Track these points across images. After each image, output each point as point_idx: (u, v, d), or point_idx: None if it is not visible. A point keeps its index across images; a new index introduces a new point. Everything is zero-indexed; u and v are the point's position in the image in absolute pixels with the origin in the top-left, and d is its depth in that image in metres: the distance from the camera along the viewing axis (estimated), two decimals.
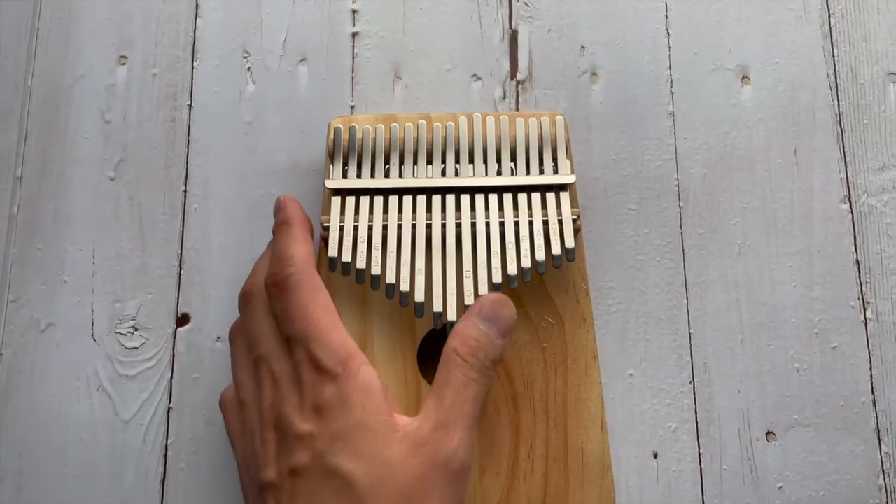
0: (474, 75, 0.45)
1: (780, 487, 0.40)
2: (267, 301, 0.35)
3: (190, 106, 0.45)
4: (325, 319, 0.33)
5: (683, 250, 0.43)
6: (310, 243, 0.36)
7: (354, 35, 0.45)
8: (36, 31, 0.45)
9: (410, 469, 0.30)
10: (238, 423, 0.35)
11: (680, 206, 0.43)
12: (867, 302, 0.42)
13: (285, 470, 0.31)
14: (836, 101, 0.44)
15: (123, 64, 0.45)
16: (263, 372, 0.34)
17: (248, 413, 0.34)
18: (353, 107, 0.45)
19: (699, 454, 0.40)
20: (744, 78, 0.45)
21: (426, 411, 0.32)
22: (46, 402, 0.41)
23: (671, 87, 0.45)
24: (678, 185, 0.43)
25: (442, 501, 0.31)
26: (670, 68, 0.45)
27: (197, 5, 0.46)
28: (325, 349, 0.32)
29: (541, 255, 0.37)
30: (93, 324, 0.42)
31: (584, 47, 0.45)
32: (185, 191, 0.44)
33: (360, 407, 0.31)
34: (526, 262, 0.37)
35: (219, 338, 0.42)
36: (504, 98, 0.45)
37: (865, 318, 0.42)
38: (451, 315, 0.36)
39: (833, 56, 0.45)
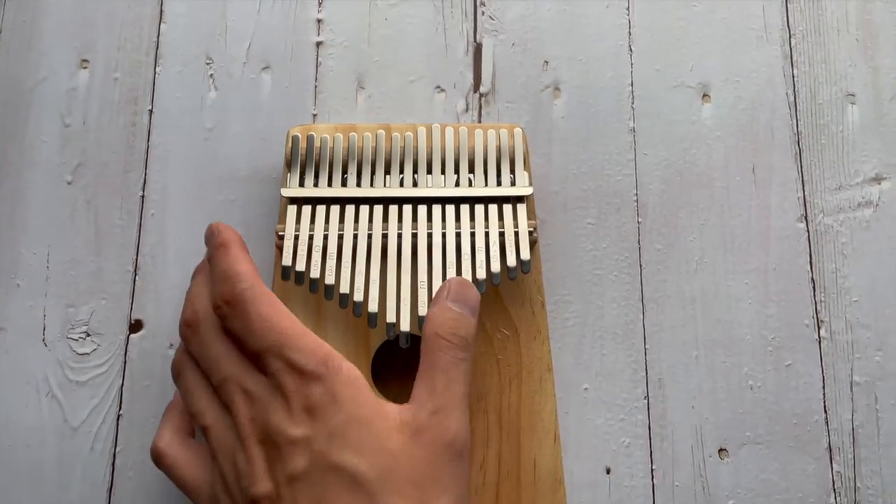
0: (438, 87, 0.45)
1: None
2: (217, 323, 0.34)
3: (151, 111, 0.44)
4: (293, 326, 0.33)
5: (641, 265, 0.43)
6: (252, 262, 0.35)
7: (319, 44, 0.45)
8: None
9: (416, 457, 0.30)
10: (200, 470, 0.33)
11: (638, 222, 0.43)
12: (821, 320, 0.42)
13: (282, 479, 0.30)
14: (794, 121, 0.45)
15: (85, 68, 0.45)
16: (233, 392, 0.32)
17: (215, 436, 0.33)
18: (315, 115, 0.45)
19: (651, 470, 0.40)
20: (704, 95, 0.45)
21: (419, 398, 0.32)
22: None
23: (632, 102, 0.45)
24: (637, 201, 0.44)
25: (454, 484, 0.31)
26: (632, 84, 0.45)
27: (161, 10, 0.46)
28: (302, 352, 0.32)
29: (496, 266, 0.37)
30: (44, 328, 0.41)
31: (547, 62, 0.45)
32: (143, 196, 0.43)
33: (351, 401, 0.31)
34: (481, 274, 0.37)
35: (171, 345, 0.41)
36: (467, 110, 0.45)
37: (819, 337, 0.42)
38: (405, 326, 0.36)
39: (793, 76, 0.45)
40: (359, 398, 0.31)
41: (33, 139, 0.44)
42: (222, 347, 0.33)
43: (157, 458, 0.34)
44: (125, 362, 0.41)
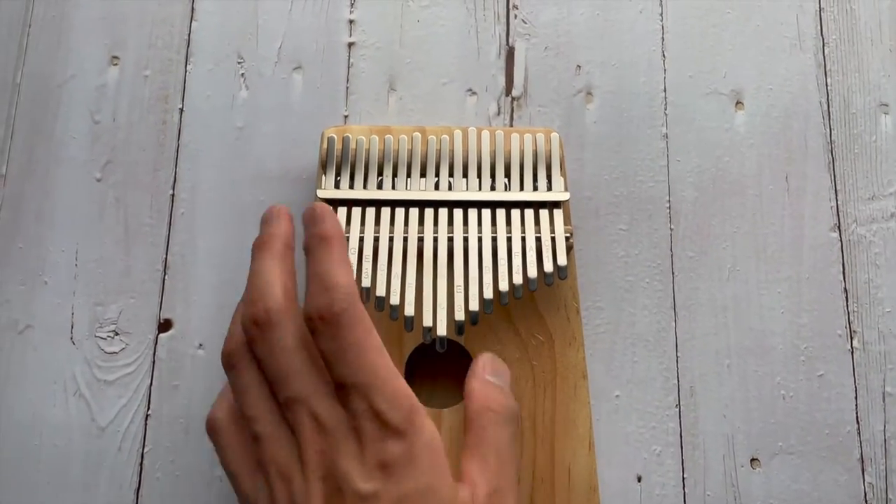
0: (469, 90, 0.45)
1: None
2: (299, 331, 0.31)
3: (181, 109, 0.44)
4: (385, 366, 0.30)
5: (673, 272, 0.43)
6: (350, 266, 0.32)
7: (351, 45, 0.45)
8: (28, 29, 0.45)
9: None
10: (247, 458, 0.31)
11: (671, 229, 0.43)
12: (854, 331, 0.42)
13: None
14: (828, 130, 0.45)
15: (115, 65, 0.45)
16: (302, 414, 0.30)
17: (269, 451, 0.30)
18: (346, 116, 0.44)
19: (683, 479, 0.40)
20: (738, 103, 0.45)
21: (472, 476, 0.31)
22: (21, 405, 0.40)
23: (665, 109, 0.45)
24: (670, 208, 0.43)
25: None
26: (665, 90, 0.45)
27: (193, 9, 0.45)
28: (390, 402, 0.29)
29: (532, 272, 0.37)
30: (72, 326, 0.41)
31: (580, 66, 0.45)
32: (173, 195, 0.43)
33: (428, 468, 0.29)
34: (517, 279, 0.37)
35: (201, 345, 0.41)
36: (499, 114, 0.44)
37: (852, 347, 0.42)
38: (441, 330, 0.36)
39: (826, 85, 0.45)
40: (436, 466, 0.29)
41: (62, 136, 0.44)
42: (300, 362, 0.31)
43: (211, 430, 0.33)
44: (154, 362, 0.41)
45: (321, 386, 0.30)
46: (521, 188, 0.39)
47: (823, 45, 0.46)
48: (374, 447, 0.29)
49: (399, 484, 0.29)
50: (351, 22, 0.45)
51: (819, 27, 0.46)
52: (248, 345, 0.32)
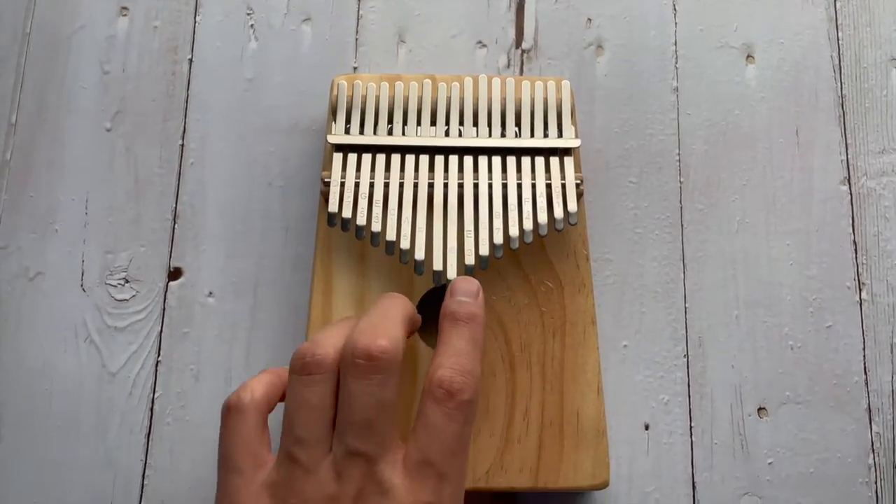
0: (479, 42, 0.45)
1: (769, 463, 0.40)
2: (395, 390, 0.29)
3: (191, 60, 0.44)
4: (465, 472, 0.31)
5: (682, 225, 0.43)
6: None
7: None
8: None
9: None
10: (257, 456, 0.30)
11: (680, 182, 0.43)
12: (863, 283, 0.42)
13: None
14: (839, 84, 0.44)
15: (125, 15, 0.45)
16: (359, 470, 0.29)
17: (303, 483, 0.29)
18: (355, 68, 0.44)
19: (690, 427, 0.40)
20: (748, 56, 0.45)
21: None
22: (32, 351, 0.40)
23: (676, 62, 0.44)
24: (679, 161, 0.43)
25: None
26: (676, 44, 0.45)
27: None
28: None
29: (543, 217, 0.37)
30: (83, 274, 0.41)
31: (590, 19, 0.45)
32: (182, 145, 0.43)
33: None
34: (528, 224, 0.37)
35: (211, 293, 0.41)
36: (508, 66, 0.44)
37: (860, 299, 0.42)
38: (451, 273, 0.36)
39: (838, 39, 0.45)
40: None
41: (72, 86, 0.44)
42: (387, 420, 0.29)
43: (233, 410, 0.31)
44: (164, 309, 0.41)
45: (392, 451, 0.29)
46: (532, 135, 0.39)
47: (835, 0, 0.45)
48: None
49: None
50: None
51: None
52: (341, 367, 0.30)
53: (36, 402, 0.40)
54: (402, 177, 0.37)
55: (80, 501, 0.39)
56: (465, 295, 0.32)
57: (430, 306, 0.37)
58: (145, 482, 0.39)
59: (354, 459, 0.28)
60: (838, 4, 0.45)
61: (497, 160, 0.38)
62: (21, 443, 0.39)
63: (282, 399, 0.32)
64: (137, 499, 0.39)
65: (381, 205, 0.37)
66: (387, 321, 0.31)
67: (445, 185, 0.37)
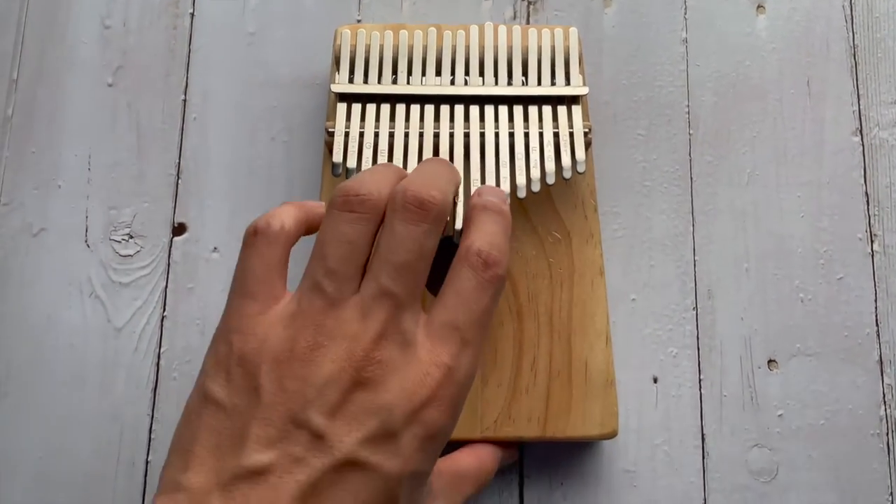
0: None
1: (780, 415, 0.39)
2: (437, 244, 0.29)
3: (192, 14, 0.44)
4: (482, 349, 0.30)
5: (691, 178, 0.42)
6: None
7: None
8: None
9: None
10: (275, 282, 0.29)
11: (690, 134, 0.42)
12: (875, 234, 0.41)
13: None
14: (850, 34, 0.44)
15: None
16: (383, 311, 0.27)
17: (331, 313, 0.27)
18: (359, 20, 0.44)
19: (699, 380, 0.40)
20: (759, 7, 0.44)
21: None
22: (37, 307, 0.40)
23: (685, 13, 0.44)
24: (689, 113, 0.43)
25: None
26: None
27: None
28: (476, 356, 0.29)
29: (550, 165, 0.36)
30: (87, 230, 0.41)
31: None
32: (185, 100, 0.43)
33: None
34: (535, 173, 0.36)
35: (215, 248, 0.41)
36: (515, 18, 0.44)
37: (872, 251, 0.41)
38: (459, 223, 0.35)
39: None
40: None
41: (73, 41, 0.43)
42: (422, 270, 0.28)
43: (259, 234, 0.29)
44: (169, 265, 0.41)
45: (419, 308, 0.28)
46: (539, 83, 0.38)
47: None
48: (431, 406, 0.27)
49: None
50: None
51: None
52: (388, 210, 0.29)
53: (41, 358, 0.40)
54: (407, 126, 0.37)
55: (88, 455, 0.39)
56: (493, 196, 0.31)
57: (438, 259, 0.37)
58: (152, 435, 0.39)
59: (383, 301, 0.27)
60: None
61: (504, 109, 0.37)
62: (27, 398, 0.39)
63: (306, 233, 0.31)
64: (145, 451, 0.39)
65: (386, 154, 0.36)
66: (438, 178, 0.30)
67: (451, 135, 0.37)
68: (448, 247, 0.33)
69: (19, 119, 0.42)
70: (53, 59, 0.43)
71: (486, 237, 0.29)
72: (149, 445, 0.39)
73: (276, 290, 0.29)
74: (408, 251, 0.28)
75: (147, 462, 0.39)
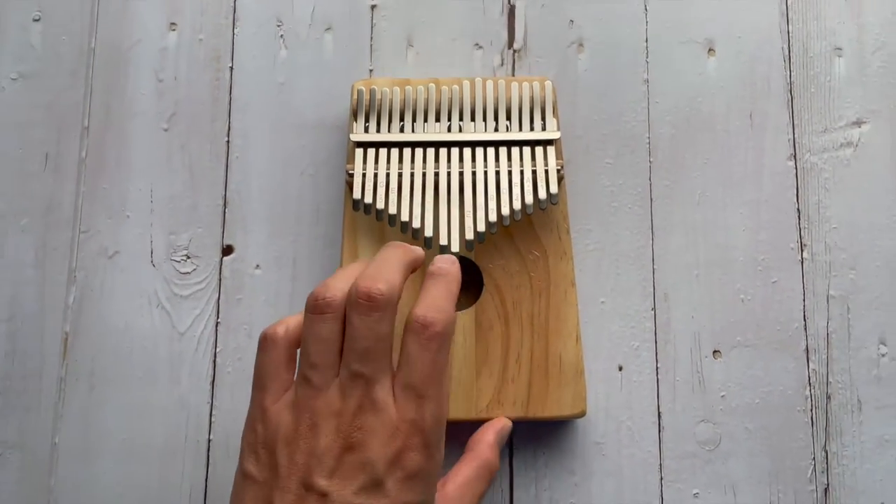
0: (476, 44, 0.52)
1: (722, 396, 0.48)
2: (392, 325, 0.35)
3: (231, 68, 0.52)
4: (447, 392, 0.36)
5: (651, 199, 0.50)
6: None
7: (373, 7, 0.52)
8: (97, 0, 0.52)
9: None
10: (282, 379, 0.36)
11: (650, 161, 0.51)
12: (804, 244, 0.49)
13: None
14: (788, 72, 0.51)
15: (174, 30, 0.52)
16: (359, 389, 0.35)
17: (315, 398, 0.35)
18: (371, 70, 0.52)
19: (657, 368, 0.48)
20: (710, 50, 0.52)
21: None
22: (114, 316, 0.49)
23: (647, 57, 0.52)
24: (649, 143, 0.51)
25: None
26: (647, 41, 0.52)
27: None
28: (440, 422, 0.35)
29: (529, 198, 0.45)
30: (152, 252, 0.50)
31: (572, 21, 0.52)
32: (228, 141, 0.51)
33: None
34: (517, 205, 0.45)
35: (258, 266, 0.50)
36: (502, 65, 0.52)
37: (802, 258, 0.49)
38: (455, 247, 0.44)
39: (788, 32, 0.52)
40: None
41: (133, 93, 0.52)
42: (382, 350, 0.35)
43: (267, 341, 0.37)
44: (220, 280, 0.50)
45: (387, 377, 0.35)
46: (520, 129, 0.46)
47: None
48: (406, 454, 0.34)
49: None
50: None
51: None
52: (347, 306, 0.36)
53: (120, 358, 0.49)
54: (413, 167, 0.45)
55: (160, 437, 0.48)
56: (442, 262, 0.38)
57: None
58: (212, 420, 0.48)
59: (356, 381, 0.34)
60: (789, 1, 0.52)
61: (491, 151, 0.46)
62: (111, 391, 0.48)
63: None
64: (207, 432, 0.48)
65: (396, 191, 0.45)
66: (386, 268, 0.36)
67: (448, 174, 0.45)
68: (465, 265, 0.41)
69: (91, 160, 0.51)
70: (117, 108, 0.51)
71: (426, 301, 0.36)
72: (210, 428, 0.48)
73: (286, 382, 0.37)
74: (365, 338, 0.35)
75: (209, 441, 0.48)
